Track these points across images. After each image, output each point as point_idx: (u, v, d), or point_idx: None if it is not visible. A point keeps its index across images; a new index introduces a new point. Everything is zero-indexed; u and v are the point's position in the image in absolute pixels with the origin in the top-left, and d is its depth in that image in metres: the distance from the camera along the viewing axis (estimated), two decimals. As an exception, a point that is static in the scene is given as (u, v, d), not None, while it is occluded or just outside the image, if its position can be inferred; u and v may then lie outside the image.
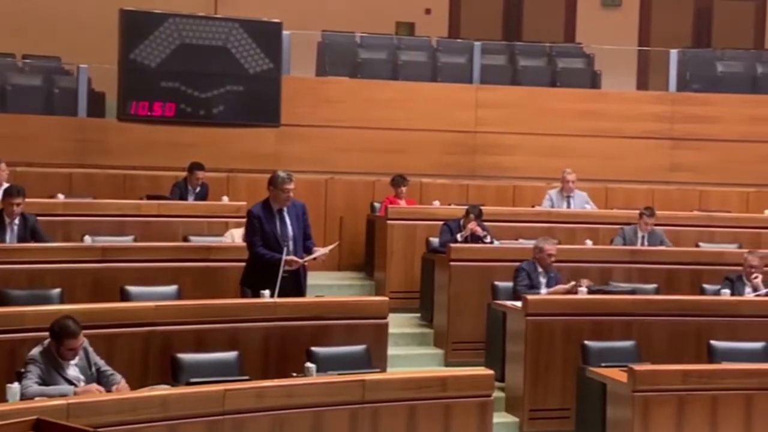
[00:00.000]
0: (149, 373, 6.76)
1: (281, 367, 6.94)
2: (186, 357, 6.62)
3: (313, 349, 6.88)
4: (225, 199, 10.65)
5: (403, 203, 11.16)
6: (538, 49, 14.37)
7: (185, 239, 9.57)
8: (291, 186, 7.77)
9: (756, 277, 8.82)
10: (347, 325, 7.41)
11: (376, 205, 11.64)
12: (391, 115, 12.65)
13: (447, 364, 9.12)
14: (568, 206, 11.29)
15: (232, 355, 6.75)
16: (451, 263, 9.33)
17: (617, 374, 6.83)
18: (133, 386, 6.03)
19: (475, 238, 9.87)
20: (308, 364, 6.30)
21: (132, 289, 7.92)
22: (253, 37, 12.13)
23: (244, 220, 8.10)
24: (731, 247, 10.36)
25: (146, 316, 6.96)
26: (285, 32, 12.43)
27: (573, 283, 8.63)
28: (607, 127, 13.03)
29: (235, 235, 9.22)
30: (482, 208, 10.23)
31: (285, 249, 7.62)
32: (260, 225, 7.74)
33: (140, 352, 6.85)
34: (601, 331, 7.95)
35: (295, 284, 7.83)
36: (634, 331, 8.00)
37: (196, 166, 10.92)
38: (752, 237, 10.86)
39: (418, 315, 10.11)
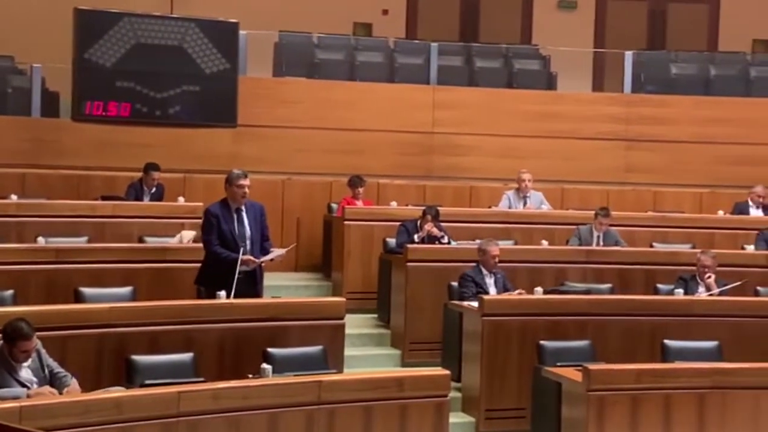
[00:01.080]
0: (103, 375, 6.69)
1: (237, 369, 6.91)
2: (140, 359, 6.57)
3: (270, 350, 6.86)
4: (181, 199, 10.58)
5: (360, 204, 11.16)
6: (495, 50, 14.43)
7: (140, 240, 9.51)
8: (246, 182, 7.76)
9: (709, 277, 8.92)
10: (304, 326, 7.39)
11: (334, 205, 11.63)
12: (348, 116, 12.64)
13: (404, 365, 9.13)
14: (525, 207, 11.36)
15: (187, 356, 6.71)
16: (408, 264, 9.34)
17: (572, 374, 6.87)
18: (87, 388, 5.97)
19: (432, 238, 9.89)
20: (264, 366, 6.28)
21: (86, 290, 7.85)
22: (209, 37, 12.07)
23: (201, 220, 8.06)
24: (685, 247, 10.46)
25: (100, 317, 6.90)
26: (242, 32, 12.38)
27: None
28: (562, 129, 13.12)
29: (185, 237, 9.14)
30: (439, 208, 10.27)
31: (242, 249, 7.59)
32: (217, 223, 7.71)
33: (94, 354, 6.79)
34: (556, 330, 8.00)
35: (252, 285, 7.81)
36: (589, 330, 8.05)
37: (151, 167, 10.84)
38: (705, 237, 10.98)
39: (375, 315, 10.12)
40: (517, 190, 11.45)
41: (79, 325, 6.82)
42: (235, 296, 7.43)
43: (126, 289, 7.97)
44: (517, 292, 8.70)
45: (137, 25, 11.91)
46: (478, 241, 10.04)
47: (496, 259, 8.86)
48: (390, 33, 14.82)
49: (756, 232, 10.62)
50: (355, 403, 6.14)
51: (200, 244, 8.08)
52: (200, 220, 8.20)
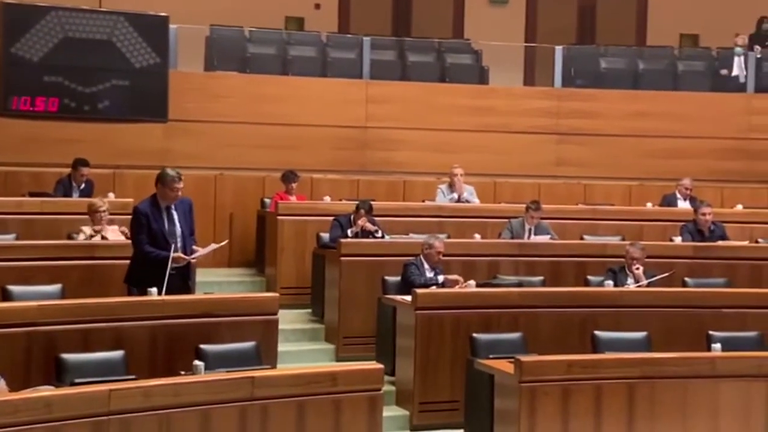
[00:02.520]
0: (32, 374, 6.58)
1: (169, 366, 6.84)
2: (70, 357, 6.47)
3: (202, 346, 6.80)
4: (111, 195, 10.44)
5: (293, 199, 11.13)
6: (427, 44, 14.49)
7: (69, 237, 9.35)
8: (180, 185, 7.66)
9: (637, 268, 9.04)
10: (236, 321, 7.35)
11: (267, 201, 11.58)
12: (280, 111, 12.60)
13: (338, 359, 9.13)
14: (458, 201, 11.42)
15: (118, 354, 6.62)
16: (342, 258, 9.34)
17: (504, 366, 6.91)
18: (16, 388, 5.86)
19: (365, 233, 9.90)
20: (196, 362, 6.23)
21: (14, 288, 7.70)
22: (138, 30, 11.94)
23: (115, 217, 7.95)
24: (614, 240, 10.60)
25: (29, 315, 6.79)
26: (172, 26, 12.26)
27: (459, 284, 8.75)
28: (495, 123, 13.23)
29: (86, 232, 9.00)
30: (373, 203, 10.27)
31: (173, 246, 7.51)
32: (147, 223, 7.59)
33: (23, 353, 6.67)
34: (489, 323, 8.05)
35: (183, 281, 7.73)
36: (521, 323, 8.12)
37: (80, 163, 10.70)
38: (635, 229, 11.14)
39: (309, 311, 10.10)
40: (450, 184, 11.52)
41: (7, 323, 6.70)
42: (167, 293, 7.35)
43: (55, 287, 7.83)
44: (453, 277, 8.73)
45: (65, 18, 11.73)
46: (411, 236, 10.10)
47: (440, 255, 8.88)
48: (322, 27, 14.80)
49: (683, 223, 10.80)
50: (289, 399, 6.10)
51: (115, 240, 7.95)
52: (128, 216, 8.07)
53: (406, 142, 12.94)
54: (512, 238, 10.31)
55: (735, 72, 14.13)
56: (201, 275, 9.05)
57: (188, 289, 7.82)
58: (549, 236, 10.36)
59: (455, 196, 11.38)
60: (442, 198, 11.45)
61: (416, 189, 12.48)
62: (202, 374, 6.10)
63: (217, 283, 10.38)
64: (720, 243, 10.42)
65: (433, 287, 8.59)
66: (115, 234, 9.05)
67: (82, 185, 10.69)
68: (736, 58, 14.16)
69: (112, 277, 8.27)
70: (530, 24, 16.43)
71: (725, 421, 6.95)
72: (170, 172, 7.69)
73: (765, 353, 7.45)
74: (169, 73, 12.13)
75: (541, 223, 10.46)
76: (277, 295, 7.95)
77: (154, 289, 7.33)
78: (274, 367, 7.09)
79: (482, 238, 10.33)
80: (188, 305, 7.34)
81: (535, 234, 10.34)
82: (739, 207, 12.04)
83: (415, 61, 13.80)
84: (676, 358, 7.06)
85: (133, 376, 6.12)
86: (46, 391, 5.68)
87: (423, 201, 11.76)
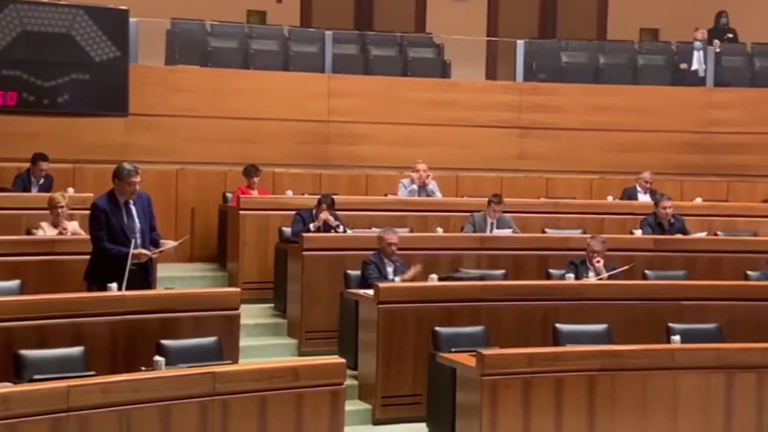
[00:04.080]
0: (-10, 371, 6.52)
1: (130, 362, 6.79)
2: (29, 353, 6.42)
3: (163, 342, 6.77)
4: (71, 190, 10.34)
5: (255, 193, 11.09)
6: (390, 38, 14.48)
7: (28, 232, 9.27)
8: (137, 179, 7.57)
9: (598, 261, 9.10)
10: (198, 317, 7.31)
11: (228, 195, 11.53)
12: (242, 105, 12.54)
13: (301, 354, 9.12)
14: (420, 195, 11.44)
15: (77, 350, 6.57)
16: (304, 253, 9.32)
17: (466, 359, 6.95)
18: (-27, 386, 5.81)
19: (327, 227, 9.89)
20: (157, 358, 6.20)
21: (-29, 284, 7.63)
22: (98, 24, 11.82)
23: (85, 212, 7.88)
24: (576, 233, 10.67)
25: (-13, 312, 6.72)
26: (132, 19, 12.17)
27: (414, 269, 8.74)
28: (457, 117, 13.25)
29: (46, 229, 8.93)
30: (335, 197, 10.27)
31: (133, 242, 7.44)
32: (106, 219, 7.50)
33: (-20, 350, 6.61)
34: (451, 317, 8.08)
35: (143, 277, 7.68)
36: (483, 316, 8.15)
37: (39, 157, 10.60)
38: (596, 223, 11.21)
39: (272, 305, 10.07)
40: (413, 179, 11.53)
41: (-36, 320, 6.63)
42: (127, 288, 7.30)
43: (13, 283, 7.77)
44: (413, 269, 8.72)
45: (23, 12, 11.59)
46: (374, 230, 10.09)
47: (393, 247, 8.92)
48: (284, 21, 14.74)
49: (643, 217, 10.88)
50: (250, 394, 6.10)
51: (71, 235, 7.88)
52: (87, 211, 7.99)
53: (369, 136, 12.94)
54: (474, 231, 10.34)
55: (694, 66, 14.25)
56: (162, 270, 8.97)
57: (149, 284, 7.76)
58: (511, 230, 10.40)
59: (415, 187, 11.38)
60: (404, 192, 11.46)
61: (378, 183, 12.48)
62: (162, 370, 6.07)
63: (179, 278, 10.32)
64: (679, 236, 10.52)
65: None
66: (74, 229, 8.98)
67: (42, 180, 10.59)
68: (695, 53, 14.28)
69: (71, 273, 8.18)
70: (492, 18, 16.47)
71: (684, 413, 7.02)
72: (127, 166, 7.61)
73: (723, 345, 7.54)
74: (130, 67, 12.03)
75: (503, 216, 10.50)
76: (238, 290, 7.93)
77: (114, 285, 7.27)
78: (236, 362, 7.06)
79: (444, 231, 10.36)
80: (149, 301, 7.29)
81: (497, 228, 10.37)
82: (699, 200, 12.15)
83: (378, 55, 13.79)
84: (636, 351, 7.12)
85: (92, 373, 6.09)
86: (5, 387, 5.64)
87: (385, 195, 11.77)
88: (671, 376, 7.05)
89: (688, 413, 7.03)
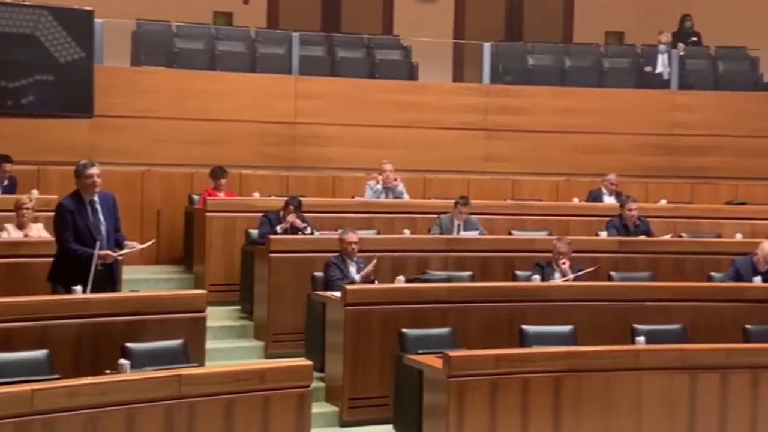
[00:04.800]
0: (-47, 375, 6.45)
1: (95, 365, 6.73)
2: (-7, 357, 6.36)
3: (128, 345, 6.72)
4: (35, 192, 10.25)
5: (222, 195, 11.06)
6: (357, 40, 14.48)
7: (-8, 234, 9.18)
8: (94, 170, 7.50)
9: (564, 263, 9.15)
10: (163, 319, 7.27)
11: (195, 197, 11.48)
12: (209, 106, 12.50)
13: (267, 356, 9.10)
14: (387, 196, 11.46)
15: (42, 353, 6.50)
16: (271, 255, 9.30)
17: (433, 361, 6.96)
18: (-65, 390, 5.74)
19: (294, 229, 9.88)
20: (122, 361, 6.16)
21: (-66, 288, 7.55)
22: (63, 25, 11.73)
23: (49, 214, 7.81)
24: (542, 235, 10.72)
25: (-51, 315, 6.65)
26: (97, 20, 12.09)
27: (371, 265, 8.74)
28: (424, 118, 13.27)
29: (11, 231, 8.85)
30: (302, 199, 10.26)
31: (98, 243, 7.40)
32: (72, 219, 7.46)
33: (-57, 354, 6.53)
34: (418, 319, 8.08)
35: (109, 278, 7.63)
36: (450, 318, 8.17)
37: (3, 159, 10.52)
38: (562, 224, 11.27)
39: (238, 307, 10.05)
40: (379, 180, 11.55)
41: (-73, 324, 6.56)
42: (92, 291, 7.25)
43: (-23, 286, 7.70)
44: (371, 265, 8.71)
45: (-14, 12, 11.50)
46: (341, 231, 10.09)
47: (353, 246, 8.93)
48: (251, 22, 14.69)
49: (609, 218, 10.95)
50: (216, 397, 6.07)
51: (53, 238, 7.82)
52: (52, 213, 7.93)
53: (336, 138, 12.93)
54: (441, 233, 10.37)
55: (659, 69, 14.37)
56: (128, 272, 8.93)
57: (115, 286, 7.71)
58: (478, 232, 10.44)
59: (379, 187, 11.40)
60: (371, 194, 11.47)
61: (346, 185, 12.48)
62: (127, 373, 6.04)
63: (145, 281, 10.26)
64: (644, 237, 10.60)
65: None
66: (39, 231, 8.90)
67: (5, 182, 10.50)
68: (660, 56, 14.40)
69: (36, 276, 8.09)
70: (459, 21, 16.51)
71: (649, 413, 7.07)
72: (83, 161, 7.59)
73: (687, 346, 7.61)
74: (95, 68, 11.95)
75: (469, 218, 10.53)
76: (204, 292, 7.89)
77: (79, 287, 7.22)
78: (202, 364, 7.04)
79: (412, 233, 10.38)
80: (114, 303, 7.25)
81: (464, 229, 10.41)
82: (663, 202, 12.26)
83: (345, 57, 13.79)
84: (601, 351, 7.17)
85: (57, 376, 6.03)
86: (-32, 391, 5.57)
87: (352, 197, 11.77)
88: (636, 376, 7.10)
89: (653, 413, 7.08)
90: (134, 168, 11.74)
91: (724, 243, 10.77)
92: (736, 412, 7.22)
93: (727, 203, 12.74)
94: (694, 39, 15.21)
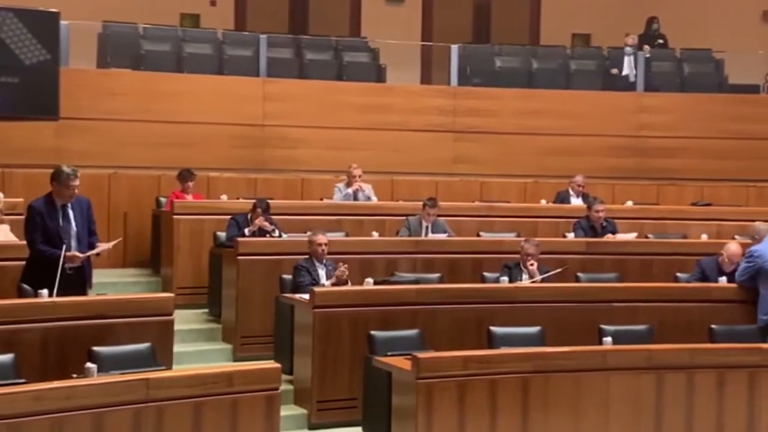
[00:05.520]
0: None
1: (62, 369, 6.69)
2: (-42, 362, 6.30)
3: (95, 348, 6.68)
4: (0, 195, 10.17)
5: (190, 198, 11.01)
6: (325, 42, 14.48)
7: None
8: (76, 183, 7.55)
9: (532, 264, 9.19)
10: (131, 323, 7.24)
11: (162, 199, 11.43)
12: (176, 109, 12.45)
13: (236, 359, 9.07)
14: (356, 199, 11.47)
15: (7, 357, 6.44)
16: (239, 257, 9.28)
17: (402, 363, 6.97)
18: None
19: (262, 231, 9.86)
20: (88, 365, 6.13)
21: None
22: (28, 27, 11.64)
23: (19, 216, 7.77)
24: (510, 236, 10.75)
25: None
26: (63, 22, 12.01)
27: (340, 270, 8.74)
28: (392, 121, 13.29)
29: None
30: (270, 201, 10.24)
31: (65, 246, 7.36)
32: (42, 221, 7.45)
33: None
34: (387, 321, 8.08)
35: (80, 280, 7.60)
36: (419, 319, 8.17)
37: (-32, 162, 10.42)
38: (529, 226, 11.31)
39: (206, 310, 10.01)
40: (348, 183, 11.56)
41: None
42: (63, 294, 7.21)
43: (-59, 289, 7.63)
44: (341, 270, 8.74)
45: (-50, 14, 11.39)
46: (309, 234, 10.08)
47: (322, 248, 8.91)
48: (218, 24, 14.65)
49: (576, 220, 11.01)
50: (184, 400, 6.05)
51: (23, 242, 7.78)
52: (22, 217, 7.89)
53: (304, 140, 12.92)
54: (410, 235, 10.38)
55: (625, 71, 14.47)
56: (96, 276, 8.80)
57: (85, 287, 7.68)
58: (446, 233, 10.47)
59: (350, 191, 11.41)
60: (340, 196, 11.48)
61: (314, 187, 12.47)
62: (95, 377, 6.01)
63: (112, 284, 10.21)
64: (611, 238, 10.66)
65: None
66: (6, 234, 8.83)
67: (-30, 185, 10.40)
68: (626, 58, 14.50)
69: (4, 279, 8.05)
70: (426, 23, 16.55)
71: (616, 413, 7.12)
72: (66, 169, 7.55)
73: (654, 346, 7.66)
74: (61, 70, 11.87)
75: (438, 220, 10.56)
76: (172, 295, 7.88)
77: (45, 291, 7.18)
78: (170, 368, 7.00)
79: (380, 235, 10.38)
80: (81, 307, 7.21)
81: (433, 231, 10.43)
82: (630, 203, 12.34)
83: (312, 59, 13.79)
84: (569, 352, 7.20)
85: (23, 380, 5.99)
86: (-68, 396, 5.52)
87: (321, 199, 11.76)
88: (603, 377, 7.14)
89: (620, 413, 7.12)
90: (101, 171, 11.66)
91: (689, 244, 10.86)
92: (702, 412, 7.28)
93: (693, 204, 12.84)
94: (661, 41, 15.33)
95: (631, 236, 10.85)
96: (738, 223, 11.46)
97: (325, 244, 8.95)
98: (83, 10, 12.70)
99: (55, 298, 7.14)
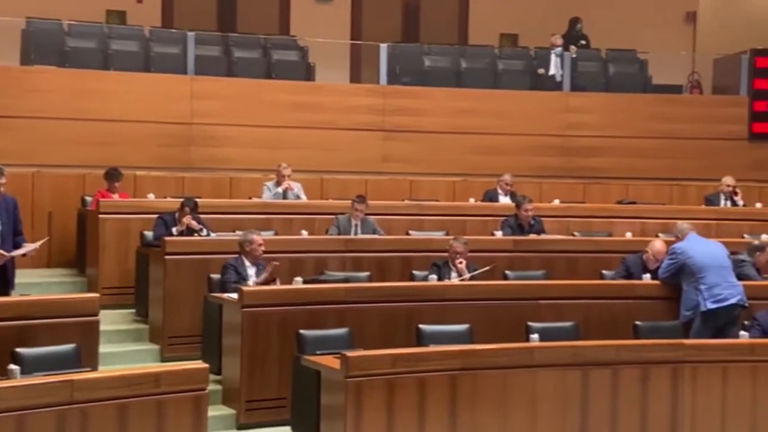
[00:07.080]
0: None
1: (-16, 372, 6.57)
2: None
3: (18, 350, 6.58)
4: None
5: (116, 197, 10.87)
6: (253, 40, 14.40)
7: None
8: (2, 181, 7.44)
9: (461, 262, 9.25)
10: (55, 323, 7.14)
11: (88, 199, 11.27)
12: (102, 107, 12.29)
13: (163, 360, 8.99)
14: (285, 197, 11.43)
15: (-73, 360, 6.34)
16: (166, 257, 9.19)
17: (331, 361, 6.96)
18: None
19: (190, 231, 9.78)
20: (11, 366, 6.02)
21: None
22: (-52, 22, 11.41)
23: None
24: (439, 235, 10.81)
25: None
26: (-16, 18, 11.79)
27: (270, 268, 8.70)
28: (321, 119, 13.27)
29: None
30: (198, 200, 10.16)
31: (-12, 245, 7.25)
32: (-34, 220, 7.33)
33: None
34: (316, 320, 8.07)
35: (2, 281, 7.50)
36: (347, 318, 8.18)
37: None
38: (458, 224, 11.37)
39: (133, 311, 9.90)
40: (277, 182, 11.52)
41: None
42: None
43: None
44: (271, 267, 8.68)
45: None
46: (238, 233, 10.02)
47: (263, 248, 8.84)
48: (145, 21, 14.48)
49: (504, 218, 11.10)
50: (110, 401, 5.97)
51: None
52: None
53: (232, 139, 12.84)
54: (339, 234, 10.38)
55: (552, 71, 14.63)
56: (19, 276, 8.68)
57: (8, 287, 7.55)
58: (375, 232, 10.48)
59: (279, 190, 11.38)
60: (269, 195, 11.43)
61: (242, 186, 12.40)
62: (17, 379, 5.90)
63: (36, 284, 10.05)
64: (538, 236, 10.77)
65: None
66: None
67: None
68: (553, 58, 14.66)
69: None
70: (356, 22, 16.55)
71: (543, 409, 7.19)
72: None
73: (579, 342, 7.76)
74: (-18, 67, 11.67)
75: (367, 219, 10.58)
76: (97, 295, 7.78)
77: (-34, 293, 7.05)
78: (95, 369, 6.91)
79: (309, 234, 10.37)
80: (3, 308, 7.08)
81: (362, 230, 10.45)
82: (557, 202, 12.48)
83: (241, 57, 13.70)
84: (496, 349, 7.25)
85: (-57, 383, 5.86)
86: None
87: (250, 198, 11.70)
88: (530, 373, 7.20)
89: (547, 410, 7.20)
90: (24, 169, 11.45)
91: (615, 241, 11.01)
92: (627, 407, 7.38)
93: (618, 203, 13.03)
94: (583, 42, 15.52)
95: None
96: (661, 221, 11.68)
97: (262, 244, 8.87)
98: (6, 6, 12.46)
99: (-24, 300, 7.00)
